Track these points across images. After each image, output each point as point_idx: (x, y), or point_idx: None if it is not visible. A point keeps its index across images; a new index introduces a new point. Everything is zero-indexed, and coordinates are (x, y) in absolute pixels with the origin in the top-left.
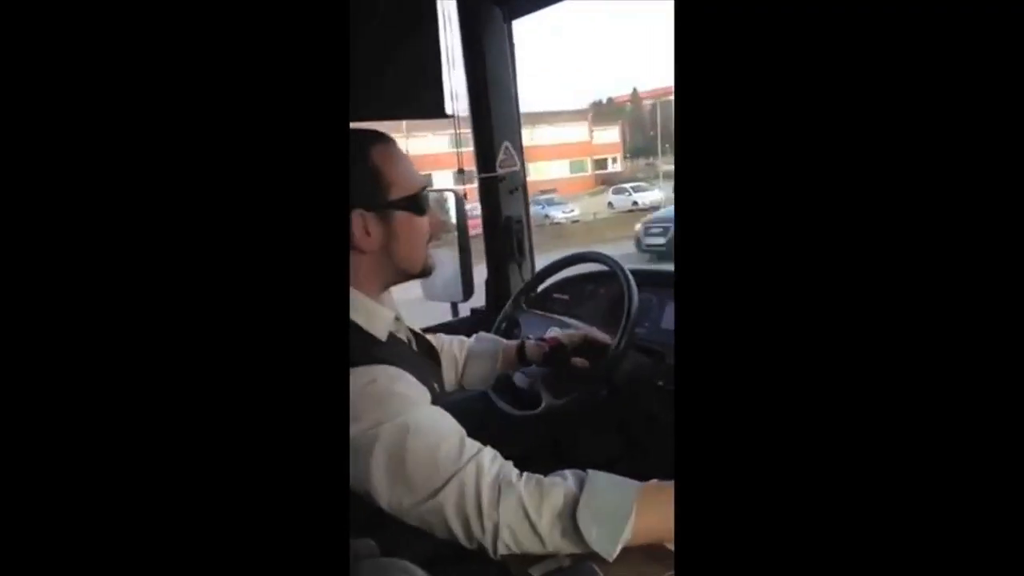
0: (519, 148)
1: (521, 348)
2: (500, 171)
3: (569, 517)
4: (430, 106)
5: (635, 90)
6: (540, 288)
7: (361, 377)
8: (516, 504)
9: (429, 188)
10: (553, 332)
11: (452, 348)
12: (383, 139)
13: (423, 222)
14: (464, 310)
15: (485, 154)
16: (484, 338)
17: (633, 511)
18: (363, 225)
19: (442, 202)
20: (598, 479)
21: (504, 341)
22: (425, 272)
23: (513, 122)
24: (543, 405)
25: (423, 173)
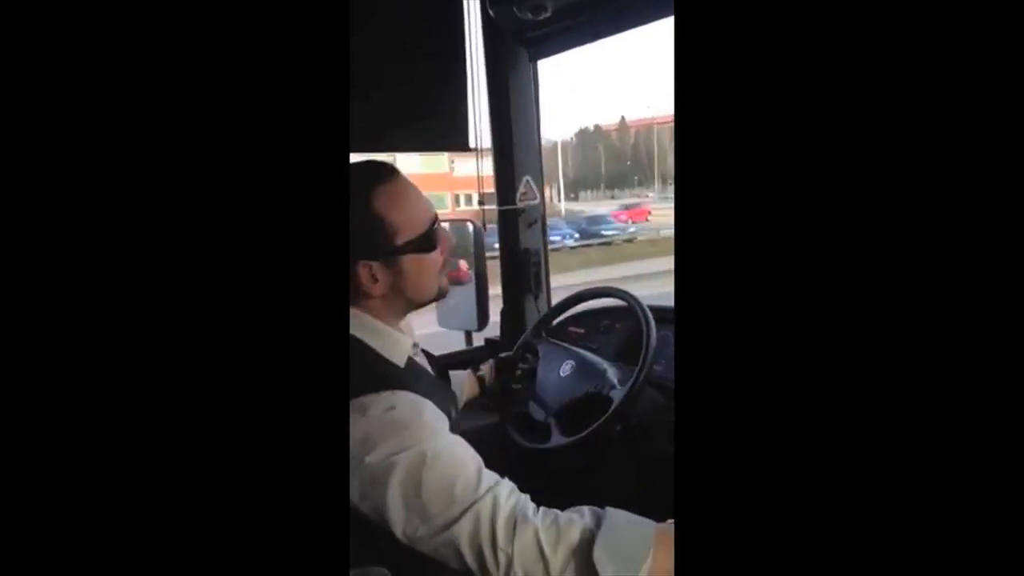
0: (540, 182)
1: (480, 379)
2: (520, 204)
3: (585, 554)
4: (454, 139)
5: (623, 118)
6: (556, 321)
7: (380, 404)
8: (532, 540)
9: (440, 220)
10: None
11: None
12: (387, 177)
13: (434, 257)
14: (478, 339)
15: (506, 187)
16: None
17: (651, 551)
18: (369, 274)
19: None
20: (616, 517)
21: (466, 372)
22: (439, 297)
23: (535, 157)
24: (557, 440)
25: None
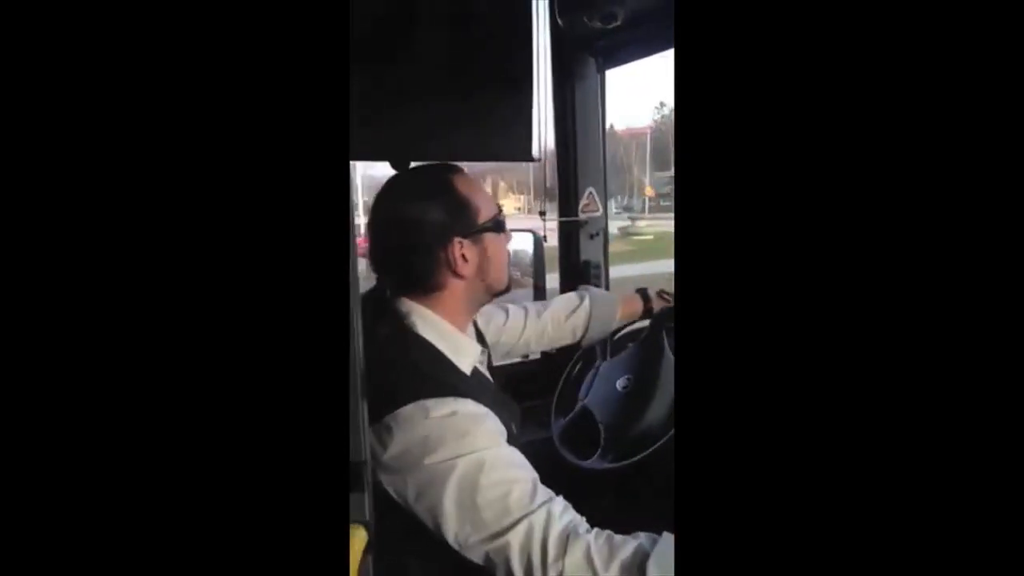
0: (603, 194)
1: (645, 298)
2: (582, 216)
3: (638, 573)
4: (519, 149)
5: (611, 127)
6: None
7: (442, 408)
8: (583, 556)
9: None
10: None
11: (555, 313)
12: (460, 171)
13: (504, 239)
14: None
15: (568, 198)
16: (593, 288)
17: None
18: (460, 252)
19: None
20: (673, 540)
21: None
22: (509, 288)
23: (599, 168)
24: (612, 460)
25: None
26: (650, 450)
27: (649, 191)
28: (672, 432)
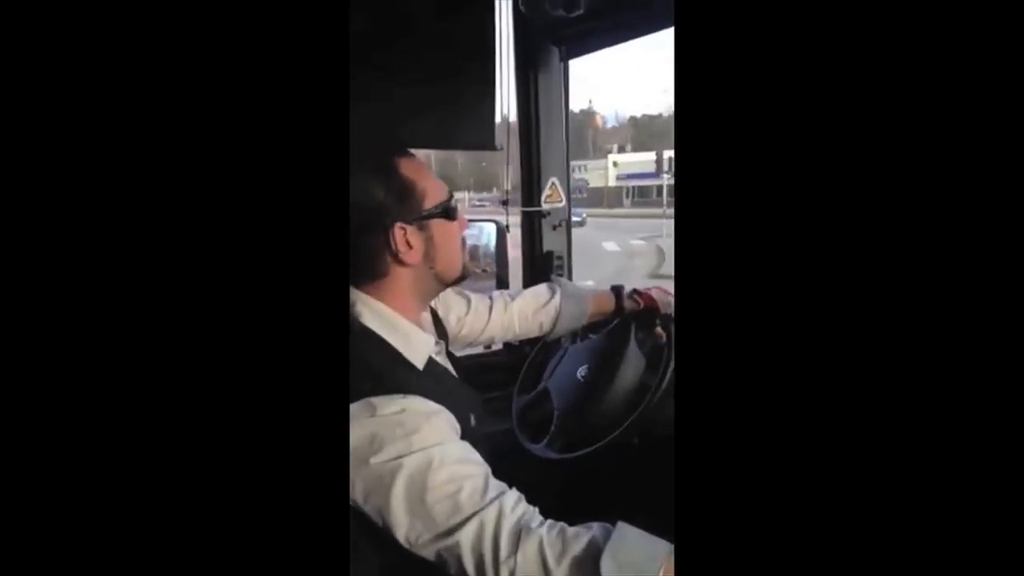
0: (566, 184)
1: (619, 296)
2: (545, 206)
3: (592, 567)
4: (480, 139)
5: None
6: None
7: (389, 405)
8: (535, 551)
9: (455, 197)
10: (653, 292)
11: (523, 307)
12: (407, 154)
13: (456, 227)
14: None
15: (531, 188)
16: (565, 282)
17: (662, 570)
18: (404, 238)
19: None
20: (627, 531)
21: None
22: (463, 277)
23: (562, 159)
24: (558, 451)
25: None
26: (593, 447)
27: None
28: (615, 433)
